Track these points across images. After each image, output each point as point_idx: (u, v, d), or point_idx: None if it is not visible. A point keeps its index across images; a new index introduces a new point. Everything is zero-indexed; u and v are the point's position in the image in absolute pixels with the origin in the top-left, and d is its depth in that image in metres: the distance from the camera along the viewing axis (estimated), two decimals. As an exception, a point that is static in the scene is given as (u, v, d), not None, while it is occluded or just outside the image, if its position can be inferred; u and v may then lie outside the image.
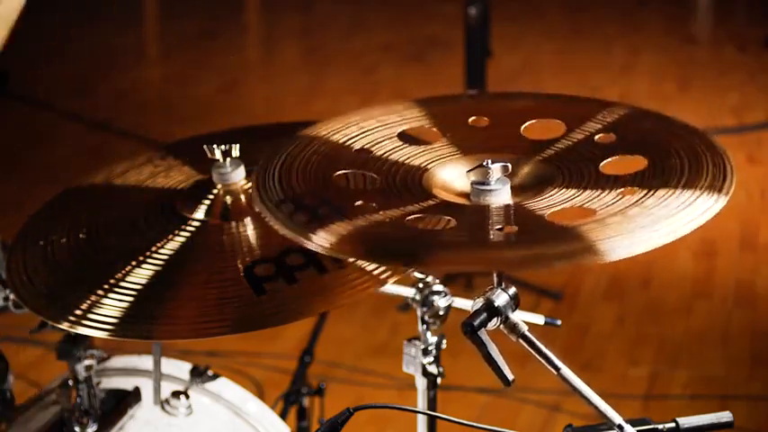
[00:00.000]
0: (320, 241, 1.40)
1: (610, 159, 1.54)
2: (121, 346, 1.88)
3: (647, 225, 1.38)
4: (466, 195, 1.52)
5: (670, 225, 1.38)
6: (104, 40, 7.21)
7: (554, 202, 1.47)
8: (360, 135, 1.67)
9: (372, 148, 1.63)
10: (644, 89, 6.13)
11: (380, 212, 1.47)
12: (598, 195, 1.47)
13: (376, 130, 1.68)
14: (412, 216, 1.46)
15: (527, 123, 1.66)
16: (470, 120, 1.70)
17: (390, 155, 1.62)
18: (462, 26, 4.23)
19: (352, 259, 1.63)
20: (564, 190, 1.50)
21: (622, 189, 1.46)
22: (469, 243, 1.43)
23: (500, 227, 1.43)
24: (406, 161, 1.61)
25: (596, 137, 1.60)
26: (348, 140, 1.65)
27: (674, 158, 1.51)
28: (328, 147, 1.64)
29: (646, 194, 1.44)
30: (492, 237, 1.42)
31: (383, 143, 1.65)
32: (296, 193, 1.52)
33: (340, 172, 1.57)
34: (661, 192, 1.44)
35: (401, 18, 7.52)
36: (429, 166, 1.59)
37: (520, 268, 1.42)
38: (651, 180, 1.48)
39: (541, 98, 1.79)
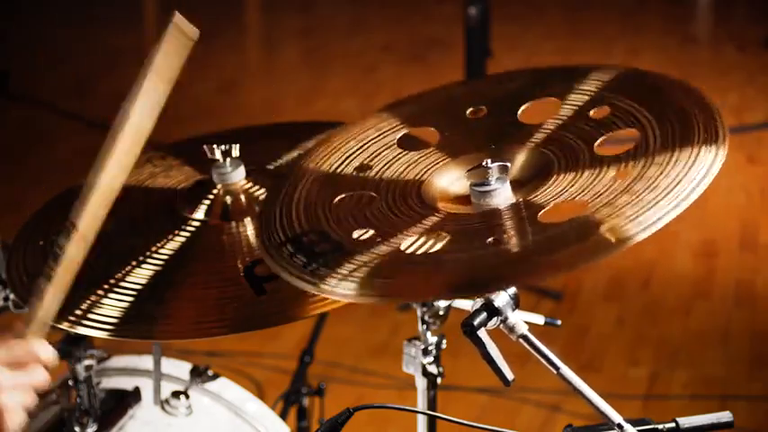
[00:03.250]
0: (325, 288, 1.41)
1: (603, 137, 1.53)
2: (121, 346, 1.88)
3: (656, 196, 1.37)
4: (467, 198, 1.52)
5: (679, 188, 1.38)
6: (104, 40, 7.21)
7: (557, 192, 1.47)
8: (360, 148, 1.66)
9: (371, 162, 1.63)
10: (644, 89, 6.13)
11: (379, 239, 1.46)
12: (597, 177, 1.46)
13: (376, 139, 1.68)
14: (411, 242, 1.45)
15: (523, 107, 1.65)
16: (468, 111, 1.69)
17: (389, 166, 1.62)
18: (462, 26, 4.23)
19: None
20: (562, 176, 1.49)
21: (615, 172, 1.46)
22: (478, 262, 1.42)
23: (496, 237, 1.42)
24: (405, 171, 1.60)
25: (591, 112, 1.59)
26: (347, 157, 1.65)
27: (665, 123, 1.50)
28: (326, 171, 1.64)
29: (644, 166, 1.44)
30: (505, 247, 1.41)
31: (384, 153, 1.65)
32: (295, 234, 1.52)
33: (339, 197, 1.57)
34: (659, 159, 1.44)
35: (401, 18, 7.52)
36: (427, 175, 1.58)
37: (547, 277, 1.41)
38: (647, 150, 1.47)
39: (535, 74, 1.77)
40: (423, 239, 1.46)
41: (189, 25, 1.51)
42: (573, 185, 1.47)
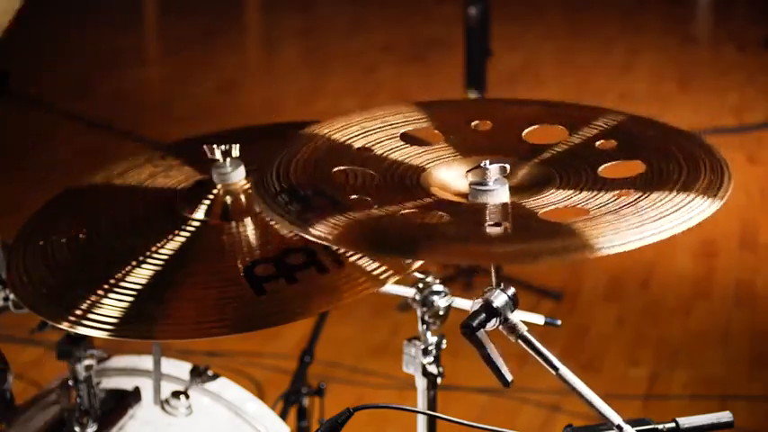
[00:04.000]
0: (315, 231, 1.41)
1: (609, 164, 1.55)
2: (121, 346, 1.88)
3: (638, 224, 1.39)
4: (464, 196, 1.53)
5: (661, 225, 1.39)
6: (104, 40, 7.22)
7: (550, 201, 1.49)
8: (361, 134, 1.67)
9: (373, 147, 1.64)
10: (644, 89, 6.13)
11: (376, 206, 1.47)
12: (594, 196, 1.48)
13: (378, 129, 1.68)
14: (407, 210, 1.47)
15: (529, 129, 1.66)
16: (473, 123, 1.70)
17: (390, 154, 1.63)
18: (462, 26, 4.23)
19: (347, 251, 1.63)
20: (561, 191, 1.50)
21: (618, 191, 1.47)
22: (464, 236, 1.43)
23: (494, 222, 1.44)
24: (406, 160, 1.61)
25: (597, 143, 1.61)
26: (349, 139, 1.65)
27: (671, 163, 1.52)
28: (329, 144, 1.65)
29: (641, 196, 1.45)
30: (486, 231, 1.43)
31: (384, 143, 1.65)
32: (291, 185, 1.52)
33: (338, 168, 1.58)
34: (656, 194, 1.45)
35: (401, 18, 7.52)
36: (428, 166, 1.59)
37: (513, 262, 1.42)
38: (648, 184, 1.48)
39: (544, 105, 1.79)
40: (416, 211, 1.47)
41: None
42: (568, 199, 1.48)
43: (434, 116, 1.73)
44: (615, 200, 1.46)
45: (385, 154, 1.63)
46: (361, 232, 1.43)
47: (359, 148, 1.63)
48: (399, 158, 1.62)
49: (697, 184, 1.48)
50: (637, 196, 1.46)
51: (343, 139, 1.66)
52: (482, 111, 1.79)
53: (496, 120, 1.71)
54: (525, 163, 1.58)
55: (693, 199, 1.45)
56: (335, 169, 1.57)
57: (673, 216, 1.41)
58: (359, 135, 1.67)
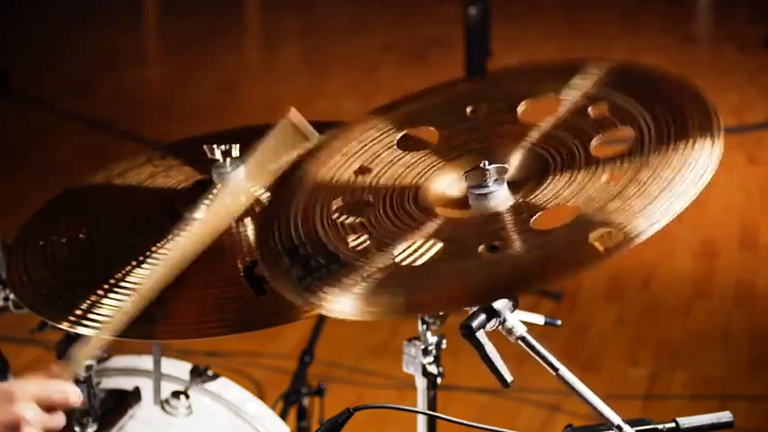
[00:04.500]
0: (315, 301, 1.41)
1: (600, 136, 1.54)
2: (121, 346, 1.88)
3: (662, 191, 1.38)
4: (464, 201, 1.52)
5: (678, 184, 1.38)
6: (104, 40, 7.21)
7: (553, 192, 1.47)
8: (361, 149, 1.66)
9: (371, 164, 1.63)
10: (644, 89, 6.13)
11: (374, 249, 1.47)
12: (593, 175, 1.46)
13: (377, 139, 1.68)
14: (401, 255, 1.46)
15: (522, 104, 1.65)
16: (468, 110, 1.69)
17: (388, 168, 1.62)
18: (462, 26, 4.23)
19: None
20: (559, 177, 1.49)
21: (608, 174, 1.46)
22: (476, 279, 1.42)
23: (491, 244, 1.43)
24: (404, 173, 1.60)
25: (589, 109, 1.59)
26: (346, 160, 1.65)
27: (660, 120, 1.51)
28: (324, 178, 1.64)
29: (636, 170, 1.44)
30: (512, 251, 1.41)
31: (383, 154, 1.65)
32: (292, 245, 1.52)
33: (336, 201, 1.57)
34: (652, 161, 1.44)
35: (401, 18, 7.53)
36: (426, 177, 1.58)
37: (544, 283, 1.42)
38: (640, 152, 1.47)
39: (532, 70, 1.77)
40: (419, 245, 1.46)
41: (306, 126, 1.53)
42: (567, 188, 1.47)
43: (429, 111, 1.73)
44: (607, 183, 1.44)
45: (383, 170, 1.62)
46: (356, 301, 1.42)
47: (356, 171, 1.63)
48: (397, 173, 1.61)
49: (689, 137, 1.46)
50: (631, 171, 1.44)
51: (339, 164, 1.65)
52: (473, 93, 1.77)
53: (489, 101, 1.69)
54: (521, 149, 1.57)
55: (694, 145, 1.43)
56: (335, 207, 1.57)
57: (682, 172, 1.40)
58: (357, 152, 1.66)
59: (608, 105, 1.58)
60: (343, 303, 1.41)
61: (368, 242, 1.48)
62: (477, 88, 1.84)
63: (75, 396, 1.44)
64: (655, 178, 1.41)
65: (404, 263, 1.44)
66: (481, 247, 1.42)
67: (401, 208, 1.54)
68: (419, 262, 1.44)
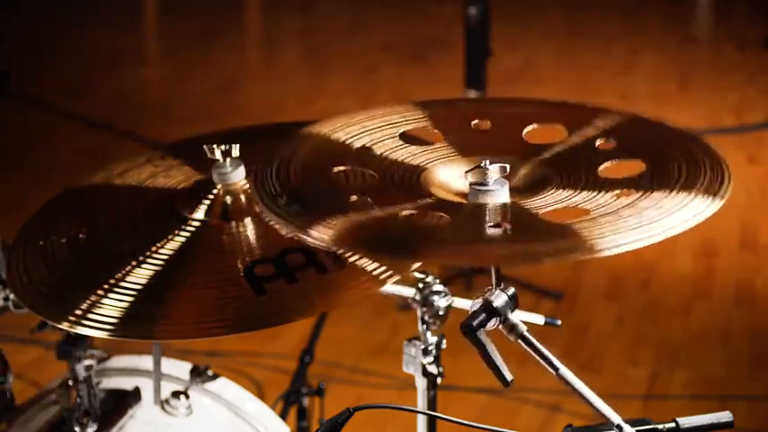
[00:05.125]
0: (314, 234, 1.41)
1: (609, 163, 1.55)
2: (121, 346, 1.88)
3: (638, 224, 1.39)
4: (464, 196, 1.52)
5: (662, 225, 1.39)
6: (104, 40, 7.22)
7: (550, 202, 1.48)
8: (361, 133, 1.67)
9: (373, 147, 1.64)
10: (644, 89, 6.13)
11: (376, 207, 1.47)
12: (594, 197, 1.47)
13: (378, 129, 1.68)
14: (407, 212, 1.47)
15: (528, 128, 1.66)
16: (473, 123, 1.70)
17: (390, 154, 1.63)
18: (462, 26, 4.23)
19: (347, 253, 1.63)
20: (561, 191, 1.50)
21: (618, 191, 1.47)
22: (464, 238, 1.43)
23: (494, 224, 1.43)
24: (406, 160, 1.61)
25: (597, 142, 1.61)
26: (349, 138, 1.65)
27: (672, 163, 1.52)
28: (328, 144, 1.64)
29: (641, 196, 1.45)
30: (487, 232, 1.42)
31: (384, 142, 1.65)
32: (291, 187, 1.52)
33: (338, 168, 1.58)
34: (657, 194, 1.45)
35: (401, 18, 7.53)
36: (428, 166, 1.59)
37: (512, 263, 1.42)
38: (648, 183, 1.48)
39: (544, 104, 1.79)
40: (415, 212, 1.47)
41: None
42: (568, 200, 1.48)
43: (434, 115, 1.73)
44: (615, 200, 1.45)
45: (385, 154, 1.62)
46: (360, 234, 1.43)
47: (358, 148, 1.63)
48: (399, 158, 1.62)
49: (697, 183, 1.47)
50: (637, 196, 1.46)
51: (342, 139, 1.65)
52: (481, 110, 1.79)
53: (496, 119, 1.71)
54: (525, 162, 1.58)
55: (694, 199, 1.44)
56: (335, 170, 1.57)
57: (673, 216, 1.41)
58: (358, 135, 1.66)
59: (617, 142, 1.59)
60: (343, 232, 1.41)
61: (368, 200, 1.49)
62: (483, 105, 1.86)
63: None
64: (654, 206, 1.43)
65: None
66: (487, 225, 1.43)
67: (402, 185, 1.54)
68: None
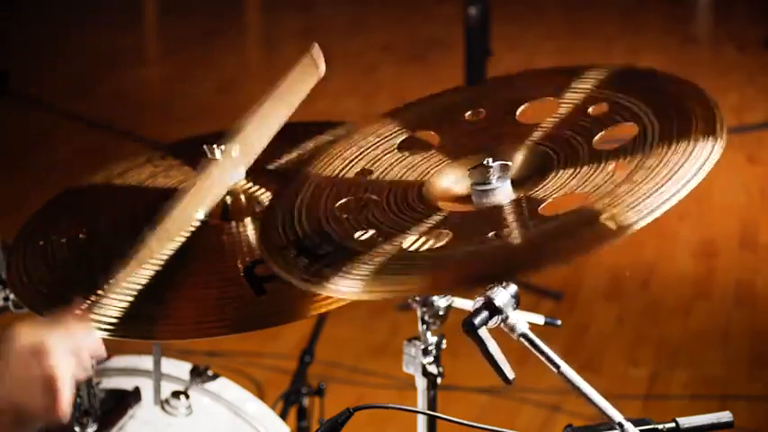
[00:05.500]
0: (328, 286, 1.42)
1: (602, 133, 1.54)
2: (121, 346, 1.88)
3: (654, 185, 1.38)
4: (468, 197, 1.52)
5: (679, 179, 1.38)
6: (104, 40, 7.21)
7: (556, 185, 1.47)
8: (360, 155, 1.67)
9: (373, 166, 1.63)
10: (644, 89, 6.13)
11: (380, 240, 1.47)
12: (596, 172, 1.46)
13: (376, 145, 1.68)
14: (414, 240, 1.46)
15: (521, 107, 1.65)
16: (467, 114, 1.70)
17: (390, 170, 1.62)
18: (462, 26, 4.23)
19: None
20: (562, 173, 1.49)
21: (613, 163, 1.46)
22: (479, 253, 1.42)
23: (498, 231, 1.43)
24: (406, 174, 1.60)
25: (589, 109, 1.59)
26: (348, 163, 1.65)
27: (663, 117, 1.51)
28: (327, 178, 1.64)
29: (641, 160, 1.44)
30: (508, 239, 1.42)
31: (384, 158, 1.65)
32: (297, 236, 1.52)
33: (341, 201, 1.58)
34: (658, 151, 1.44)
35: (401, 18, 7.53)
36: (428, 176, 1.59)
37: (541, 267, 1.41)
38: (645, 145, 1.47)
39: (530, 76, 1.77)
40: (424, 238, 1.46)
41: (321, 60, 1.58)
42: (572, 180, 1.47)
43: (428, 114, 1.73)
44: (612, 174, 1.44)
45: (384, 172, 1.62)
46: (369, 280, 1.42)
47: (357, 173, 1.63)
48: (398, 174, 1.61)
49: (692, 129, 1.46)
50: (636, 161, 1.44)
51: (340, 167, 1.65)
52: (472, 99, 1.77)
53: (488, 107, 1.69)
54: (522, 147, 1.57)
55: (695, 145, 1.43)
56: (338, 204, 1.57)
57: (685, 167, 1.40)
58: (356, 158, 1.66)
59: (608, 104, 1.58)
60: (354, 286, 1.41)
61: (375, 235, 1.48)
62: (474, 94, 1.85)
63: (101, 347, 1.44)
64: (662, 165, 1.41)
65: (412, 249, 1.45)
66: (490, 234, 1.42)
67: (405, 204, 1.54)
68: (426, 247, 1.45)
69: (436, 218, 1.50)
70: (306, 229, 1.54)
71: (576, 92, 1.63)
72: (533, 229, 1.42)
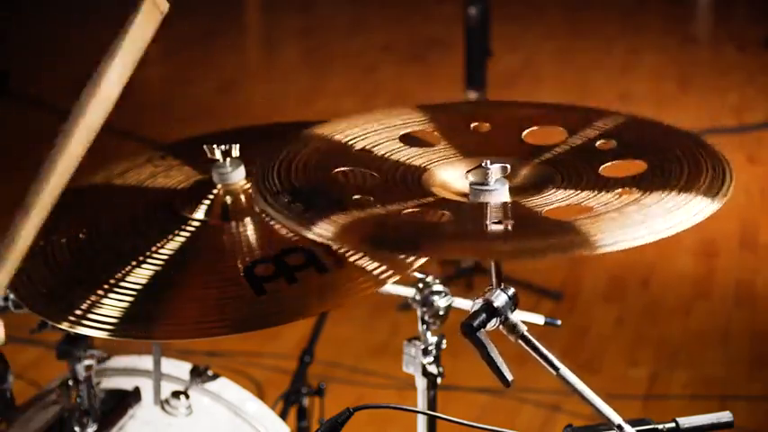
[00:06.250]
0: (317, 230, 1.41)
1: (610, 163, 1.55)
2: (121, 346, 1.88)
3: (640, 222, 1.39)
4: (465, 195, 1.53)
5: (665, 222, 1.38)
6: (104, 41, 7.21)
7: (551, 200, 1.48)
8: (361, 136, 1.67)
9: (373, 149, 1.64)
10: (644, 89, 6.13)
11: (378, 206, 1.47)
12: (596, 195, 1.47)
13: (378, 131, 1.68)
14: (409, 210, 1.47)
15: (528, 130, 1.66)
16: (472, 125, 1.70)
17: (391, 155, 1.63)
18: (462, 26, 4.24)
19: (347, 251, 1.63)
20: (562, 190, 1.50)
21: (620, 189, 1.47)
22: (466, 234, 1.43)
23: (496, 220, 1.44)
24: (407, 161, 1.61)
25: (597, 143, 1.61)
26: (350, 140, 1.65)
27: (673, 163, 1.52)
28: (329, 145, 1.64)
29: (643, 194, 1.45)
30: (488, 228, 1.43)
31: (384, 144, 1.65)
32: (293, 186, 1.52)
33: (339, 169, 1.58)
34: (659, 193, 1.45)
35: (401, 18, 7.53)
36: (429, 167, 1.59)
37: (515, 258, 1.42)
38: (650, 182, 1.48)
39: (543, 107, 1.79)
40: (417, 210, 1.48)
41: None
42: (570, 199, 1.48)
43: (433, 118, 1.73)
44: (617, 198, 1.45)
45: (386, 155, 1.63)
46: (362, 230, 1.43)
47: (359, 150, 1.63)
48: (400, 159, 1.62)
49: (698, 183, 1.47)
50: (639, 194, 1.45)
51: (343, 141, 1.65)
52: (481, 113, 1.79)
53: (495, 121, 1.71)
54: (525, 163, 1.58)
55: (695, 198, 1.44)
56: (336, 170, 1.57)
57: (676, 214, 1.41)
58: (359, 137, 1.66)
59: (617, 143, 1.59)
60: (346, 228, 1.41)
61: (370, 199, 1.49)
62: (482, 107, 1.86)
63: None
64: (656, 204, 1.43)
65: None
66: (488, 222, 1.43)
67: (403, 185, 1.55)
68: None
69: (430, 199, 1.51)
70: (302, 180, 1.54)
71: (589, 128, 1.64)
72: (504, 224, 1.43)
